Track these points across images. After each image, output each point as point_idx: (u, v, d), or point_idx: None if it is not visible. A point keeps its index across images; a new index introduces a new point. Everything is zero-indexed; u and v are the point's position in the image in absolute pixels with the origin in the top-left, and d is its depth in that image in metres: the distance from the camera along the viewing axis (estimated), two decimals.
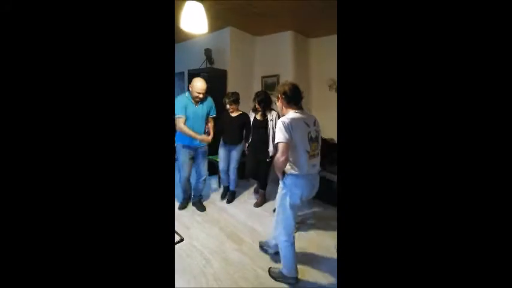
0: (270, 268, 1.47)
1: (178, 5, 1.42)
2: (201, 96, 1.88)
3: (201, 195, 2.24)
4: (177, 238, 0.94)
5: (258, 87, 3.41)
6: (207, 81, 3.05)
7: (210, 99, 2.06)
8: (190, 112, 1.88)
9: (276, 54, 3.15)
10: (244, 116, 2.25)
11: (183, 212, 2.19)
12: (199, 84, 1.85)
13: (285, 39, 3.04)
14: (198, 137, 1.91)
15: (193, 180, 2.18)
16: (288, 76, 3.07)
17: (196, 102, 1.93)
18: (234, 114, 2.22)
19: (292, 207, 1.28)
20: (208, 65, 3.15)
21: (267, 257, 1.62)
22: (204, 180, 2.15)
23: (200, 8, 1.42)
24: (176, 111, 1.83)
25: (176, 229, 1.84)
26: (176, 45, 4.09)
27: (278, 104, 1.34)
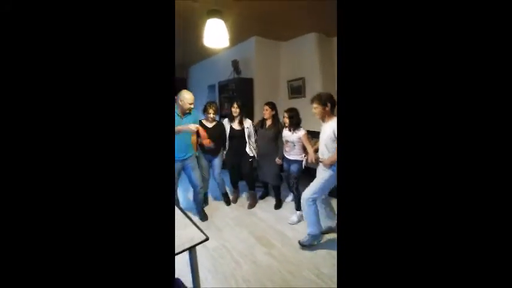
0: (299, 241, 1.78)
1: (201, 23, 1.58)
2: (192, 106, 1.90)
3: (203, 205, 2.25)
4: (202, 237, 1.02)
5: (284, 92, 3.42)
6: (235, 90, 3.23)
7: (195, 111, 2.02)
8: (176, 124, 1.82)
9: (301, 57, 3.13)
10: (221, 125, 2.29)
11: (214, 212, 2.31)
12: (189, 96, 1.86)
13: (309, 41, 3.01)
14: (190, 126, 1.78)
15: (190, 194, 2.21)
16: (314, 78, 3.02)
17: (183, 115, 1.90)
18: (210, 125, 2.22)
19: (332, 185, 1.70)
20: (236, 76, 3.31)
21: (295, 262, 1.60)
22: (201, 189, 2.13)
23: (221, 24, 1.54)
24: None
25: (209, 230, 1.96)
26: (206, 60, 4.41)
27: (319, 112, 1.61)
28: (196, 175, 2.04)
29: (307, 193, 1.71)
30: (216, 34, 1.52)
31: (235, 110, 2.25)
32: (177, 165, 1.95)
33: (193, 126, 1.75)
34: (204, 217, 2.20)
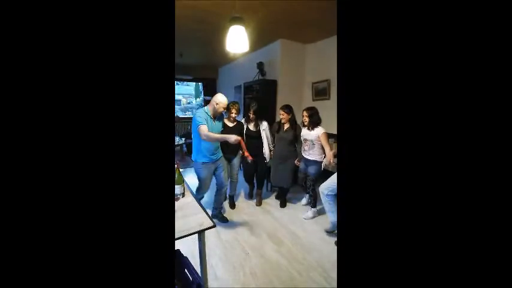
0: (325, 229, 2.01)
1: (227, 28, 1.72)
2: (225, 111, 1.94)
3: (222, 207, 2.24)
4: (211, 224, 1.13)
5: (308, 93, 3.41)
6: (259, 91, 3.33)
7: (223, 114, 2.05)
8: (208, 127, 1.81)
9: (327, 59, 3.09)
10: (241, 125, 2.29)
11: (234, 210, 2.43)
12: (224, 101, 1.86)
13: (335, 44, 2.95)
14: (232, 137, 1.70)
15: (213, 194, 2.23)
16: None
17: (214, 118, 1.91)
18: (231, 124, 2.20)
19: None
20: (261, 77, 3.40)
21: (304, 263, 1.63)
22: (225, 190, 2.17)
23: (242, 30, 1.64)
24: (200, 121, 1.77)
25: (224, 223, 2.10)
26: (234, 62, 4.60)
27: None
28: (224, 175, 2.12)
29: (324, 187, 1.87)
30: (237, 40, 1.63)
31: (252, 116, 2.31)
32: (212, 166, 2.01)
33: (234, 138, 1.67)
34: (223, 219, 2.18)
